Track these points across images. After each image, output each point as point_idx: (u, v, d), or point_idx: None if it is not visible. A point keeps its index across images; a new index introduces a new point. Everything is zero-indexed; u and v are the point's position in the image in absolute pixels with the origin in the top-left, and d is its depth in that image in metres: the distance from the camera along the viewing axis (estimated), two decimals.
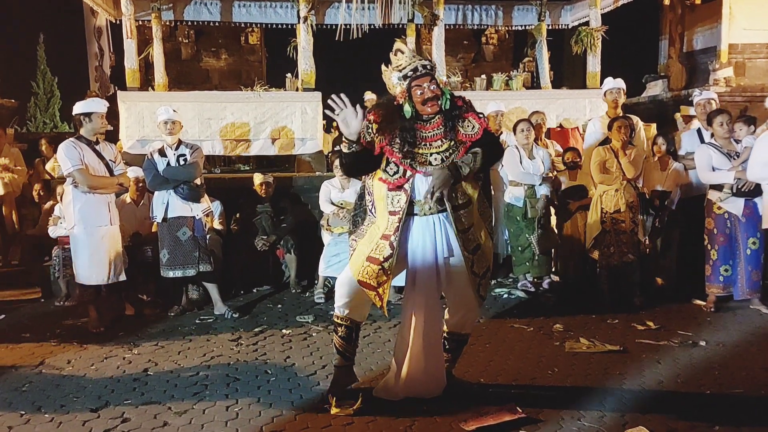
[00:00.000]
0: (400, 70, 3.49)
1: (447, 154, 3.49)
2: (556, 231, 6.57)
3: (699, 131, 6.21)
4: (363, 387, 3.82)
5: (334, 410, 3.59)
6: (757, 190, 5.43)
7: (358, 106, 3.37)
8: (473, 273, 3.58)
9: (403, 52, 3.55)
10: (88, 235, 5.31)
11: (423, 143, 3.50)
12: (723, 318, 5.38)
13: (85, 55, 11.63)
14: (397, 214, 3.50)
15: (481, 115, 3.59)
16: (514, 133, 6.37)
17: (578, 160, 6.61)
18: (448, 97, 3.51)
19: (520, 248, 6.28)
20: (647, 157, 6.30)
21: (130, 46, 7.98)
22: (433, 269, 3.58)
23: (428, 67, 3.50)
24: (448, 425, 3.45)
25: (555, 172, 6.63)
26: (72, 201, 5.29)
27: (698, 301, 5.75)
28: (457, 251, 3.56)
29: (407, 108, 3.49)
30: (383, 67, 3.63)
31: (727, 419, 3.48)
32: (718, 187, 5.56)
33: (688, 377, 4.11)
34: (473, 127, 3.53)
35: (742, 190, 5.41)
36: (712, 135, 5.79)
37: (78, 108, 5.36)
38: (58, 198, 6.44)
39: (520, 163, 6.21)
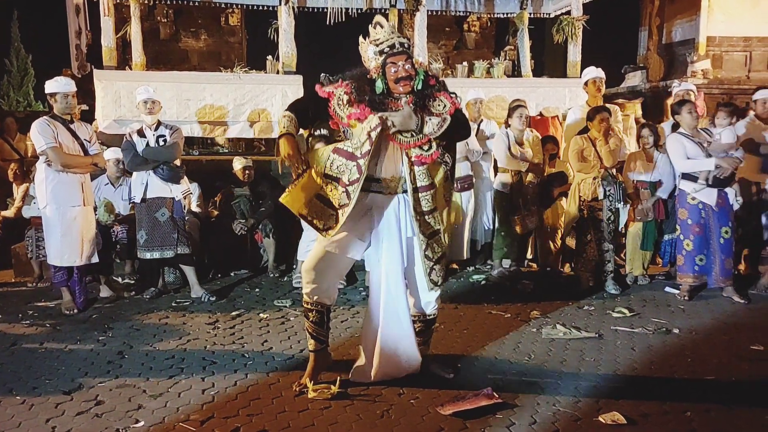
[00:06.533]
0: (377, 45, 3.49)
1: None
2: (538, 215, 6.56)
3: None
4: (341, 372, 3.81)
5: (311, 394, 3.59)
6: (728, 181, 5.51)
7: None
8: (425, 256, 3.61)
9: (382, 26, 3.54)
10: (60, 215, 5.23)
11: None
12: (696, 306, 5.45)
13: (61, 32, 11.39)
14: (353, 183, 3.50)
15: (453, 95, 3.60)
16: (509, 118, 6.34)
17: (555, 151, 6.65)
18: (422, 77, 3.52)
19: (503, 233, 6.31)
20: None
21: (107, 24, 7.81)
22: (398, 248, 3.62)
23: (405, 45, 3.51)
24: (425, 409, 3.47)
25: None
26: (44, 180, 5.20)
27: (672, 290, 5.82)
28: (415, 232, 3.59)
29: (379, 84, 3.50)
30: (361, 39, 3.63)
31: (699, 405, 3.53)
32: (692, 178, 5.60)
33: (661, 364, 4.17)
34: (444, 105, 3.56)
35: (720, 178, 5.46)
36: (676, 124, 5.83)
37: (45, 88, 5.30)
38: (31, 177, 6.34)
39: (509, 149, 6.21)
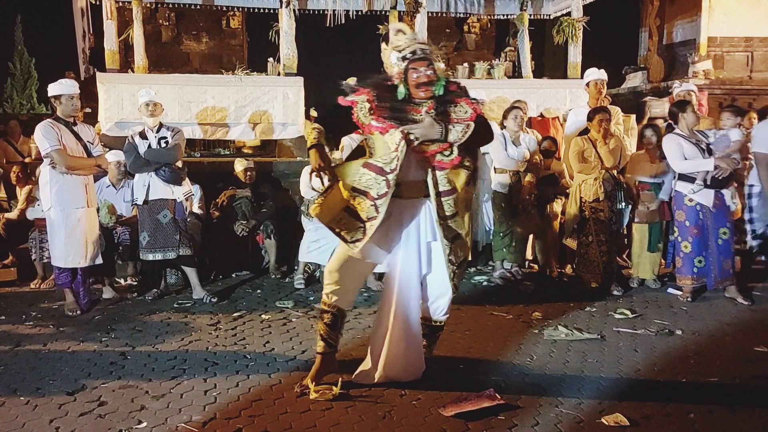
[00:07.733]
0: (399, 51, 3.50)
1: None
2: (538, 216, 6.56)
3: None
4: (342, 373, 3.81)
5: (313, 395, 3.59)
6: (726, 182, 5.50)
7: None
8: (449, 261, 3.60)
9: (404, 33, 3.55)
10: (65, 217, 5.24)
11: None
12: (699, 307, 5.44)
13: (64, 35, 11.44)
14: (382, 197, 3.48)
15: (474, 101, 3.58)
16: (505, 119, 6.37)
17: (554, 149, 6.65)
18: (443, 83, 3.51)
19: (501, 234, 6.31)
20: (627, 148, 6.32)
21: (109, 27, 7.85)
22: (415, 253, 3.62)
23: (427, 51, 3.50)
24: (427, 411, 3.46)
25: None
26: (49, 182, 5.22)
27: (674, 291, 5.81)
28: (438, 237, 3.58)
29: (401, 89, 3.49)
30: (383, 45, 3.65)
31: (702, 406, 3.52)
32: (689, 179, 5.58)
33: (664, 365, 4.16)
34: (465, 111, 3.52)
35: (718, 178, 5.45)
36: (670, 126, 5.82)
37: (48, 90, 5.31)
38: (34, 179, 6.35)
39: (506, 149, 6.22)
